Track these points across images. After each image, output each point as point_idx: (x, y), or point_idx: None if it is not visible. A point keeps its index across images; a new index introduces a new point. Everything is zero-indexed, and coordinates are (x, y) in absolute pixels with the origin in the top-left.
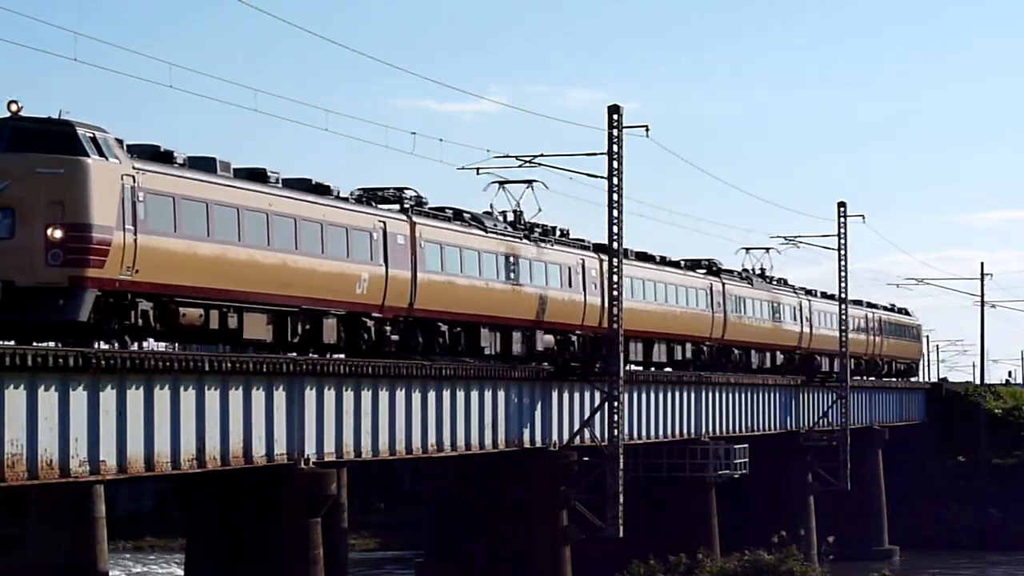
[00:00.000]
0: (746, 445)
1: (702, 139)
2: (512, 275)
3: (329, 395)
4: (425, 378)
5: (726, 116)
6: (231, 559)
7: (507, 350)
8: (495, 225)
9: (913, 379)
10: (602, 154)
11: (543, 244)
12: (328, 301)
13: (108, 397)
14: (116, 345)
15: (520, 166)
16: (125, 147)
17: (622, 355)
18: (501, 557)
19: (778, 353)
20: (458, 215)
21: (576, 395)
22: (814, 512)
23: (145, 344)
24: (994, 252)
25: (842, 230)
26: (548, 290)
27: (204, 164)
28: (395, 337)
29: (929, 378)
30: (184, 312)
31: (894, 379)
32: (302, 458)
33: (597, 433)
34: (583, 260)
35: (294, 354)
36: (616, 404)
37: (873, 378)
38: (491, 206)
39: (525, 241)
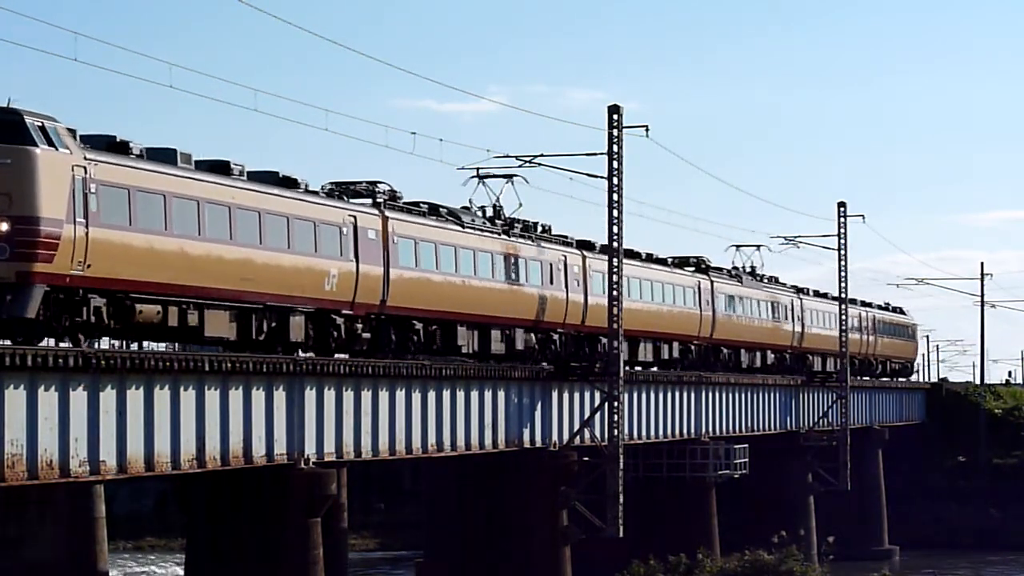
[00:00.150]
0: (746, 445)
1: (702, 139)
2: (490, 272)
3: (329, 395)
4: (425, 378)
5: (726, 116)
6: (231, 559)
7: (485, 349)
8: (473, 220)
9: (909, 379)
10: (602, 154)
11: (523, 240)
12: (295, 298)
13: (108, 397)
14: (69, 343)
15: (520, 166)
16: (78, 137)
17: (622, 355)
18: (501, 557)
19: (769, 352)
20: (434, 210)
21: (576, 395)
22: (814, 512)
23: (97, 342)
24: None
25: (842, 230)
26: (528, 287)
27: (163, 155)
28: (366, 335)
29: (929, 378)
30: (141, 309)
31: (889, 379)
32: (302, 458)
33: (597, 433)
34: (565, 257)
35: (294, 354)
36: (616, 404)
37: (868, 378)
38: (470, 201)
39: (504, 237)
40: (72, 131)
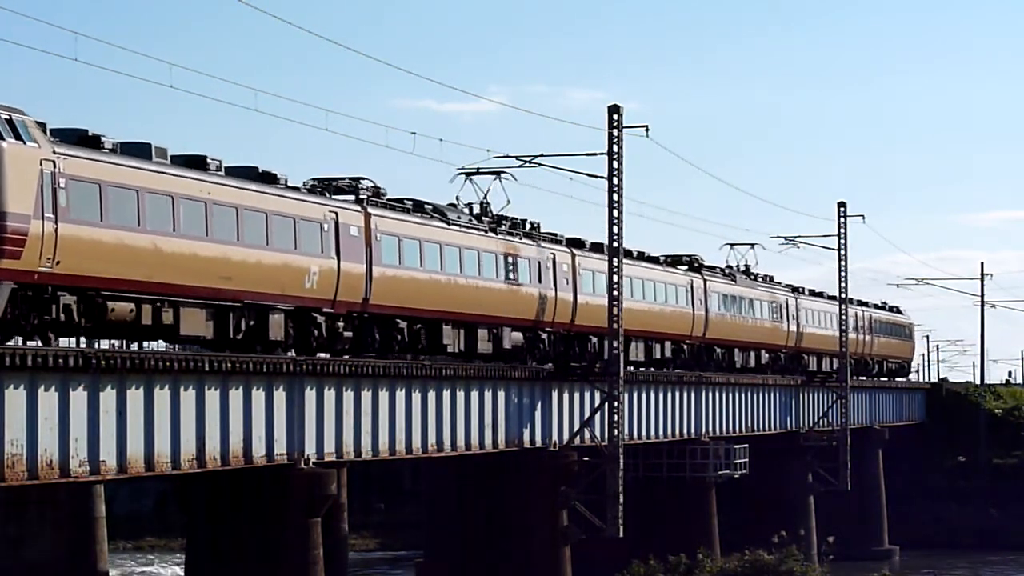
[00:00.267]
0: (746, 445)
1: (702, 139)
2: (477, 270)
3: (329, 395)
4: (425, 378)
5: (726, 116)
6: (231, 559)
7: (472, 348)
8: (459, 217)
9: (905, 379)
10: (602, 154)
11: (511, 238)
12: (274, 295)
13: (108, 397)
14: (38, 341)
15: (520, 166)
16: (48, 131)
17: (622, 355)
18: (501, 557)
19: (764, 352)
20: (418, 207)
21: (576, 395)
22: (814, 512)
23: (64, 341)
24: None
25: (842, 230)
26: (516, 285)
27: (138, 150)
28: (348, 334)
29: (929, 378)
30: (113, 307)
31: (887, 379)
32: (302, 458)
33: (597, 433)
34: (554, 254)
35: (293, 354)
36: (616, 404)
37: (864, 378)
38: (457, 198)
39: (491, 234)
40: (42, 124)
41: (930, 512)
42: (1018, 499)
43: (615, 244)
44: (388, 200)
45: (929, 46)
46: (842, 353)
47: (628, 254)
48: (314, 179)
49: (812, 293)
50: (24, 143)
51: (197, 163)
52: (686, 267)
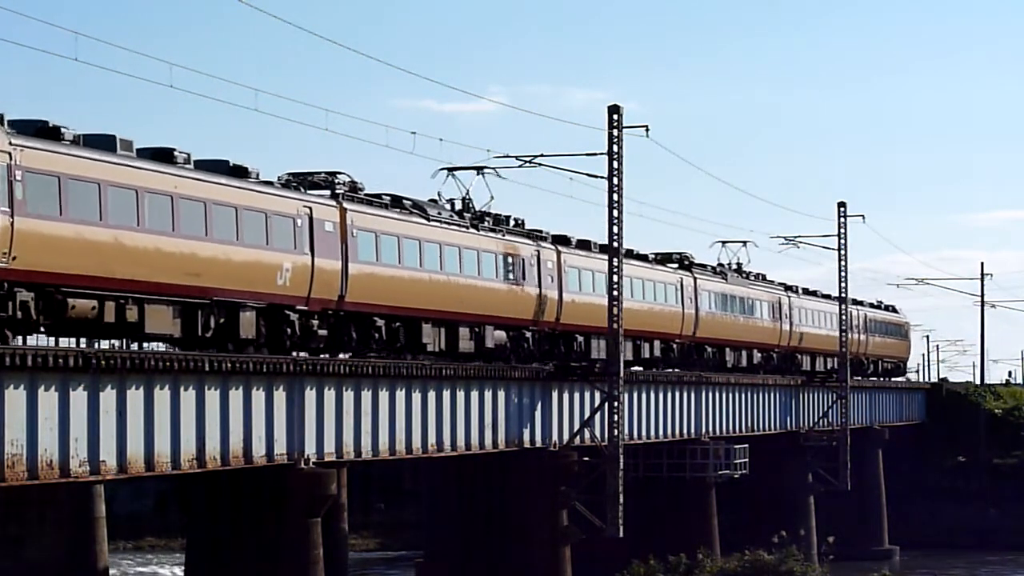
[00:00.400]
0: (746, 445)
1: (702, 139)
2: (457, 267)
3: (329, 395)
4: (425, 378)
5: (726, 116)
6: (231, 559)
7: (452, 347)
8: (439, 213)
9: (904, 379)
10: (602, 154)
11: (493, 234)
12: (245, 292)
13: (108, 397)
14: None
15: (520, 166)
16: (5, 122)
17: (622, 355)
18: (501, 557)
19: (756, 351)
20: (397, 202)
21: (576, 395)
22: (814, 512)
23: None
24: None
25: (842, 230)
26: (498, 283)
27: (102, 142)
28: (323, 332)
29: (929, 378)
30: (73, 304)
31: (881, 379)
32: (302, 458)
33: (597, 433)
34: (538, 251)
35: (294, 354)
36: (616, 404)
37: (858, 378)
38: (439, 194)
39: (472, 231)
40: None
41: (930, 512)
42: (1018, 499)
43: (615, 244)
44: (366, 195)
45: (929, 46)
46: (842, 353)
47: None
48: (289, 173)
49: (806, 292)
50: None
51: (164, 156)
52: (676, 265)
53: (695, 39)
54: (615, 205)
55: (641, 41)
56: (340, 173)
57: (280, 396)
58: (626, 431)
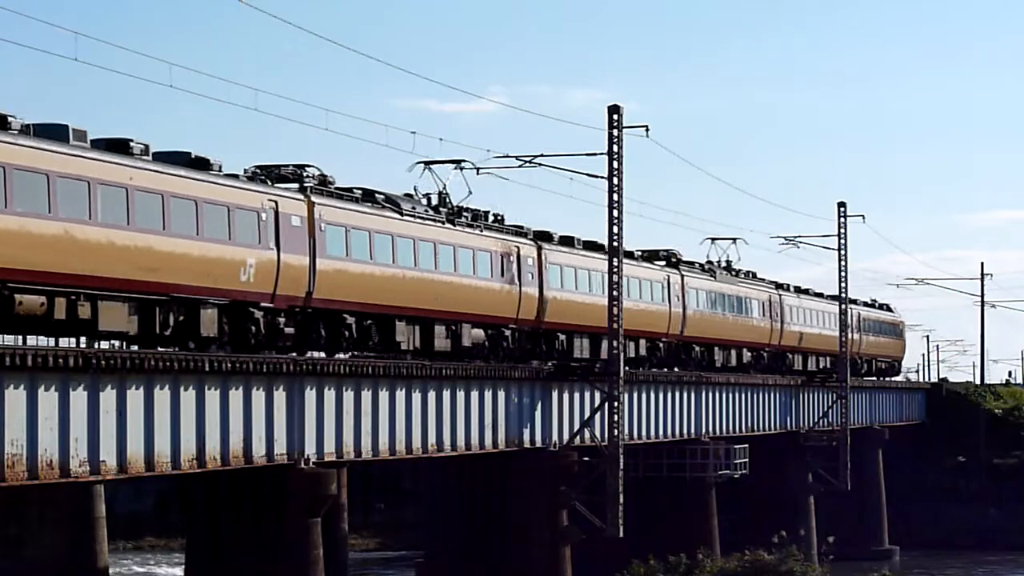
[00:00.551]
0: (746, 445)
1: (702, 139)
2: (433, 263)
3: (329, 395)
4: (425, 378)
5: (726, 116)
6: (231, 559)
7: (428, 345)
8: (414, 208)
9: (904, 379)
10: (602, 154)
11: (471, 229)
12: (205, 289)
13: (108, 397)
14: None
15: (520, 166)
16: None
17: (622, 355)
18: (501, 557)
19: (745, 350)
20: (369, 196)
21: (576, 395)
22: (814, 512)
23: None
24: (994, 252)
25: (842, 230)
26: (476, 279)
27: (53, 132)
28: (290, 330)
29: (929, 378)
30: (20, 300)
31: (876, 379)
32: (302, 458)
33: (597, 433)
34: (518, 248)
35: (294, 354)
36: (616, 404)
37: (855, 378)
38: (415, 188)
39: (449, 226)
40: None
41: (930, 512)
42: (1018, 499)
43: (615, 244)
44: (336, 189)
45: (929, 46)
46: (842, 353)
47: (600, 248)
48: (256, 166)
49: (798, 290)
50: None
51: (119, 147)
52: (663, 262)
53: (695, 39)
54: (615, 205)
55: (641, 41)
56: (309, 166)
57: (280, 396)
58: (626, 431)
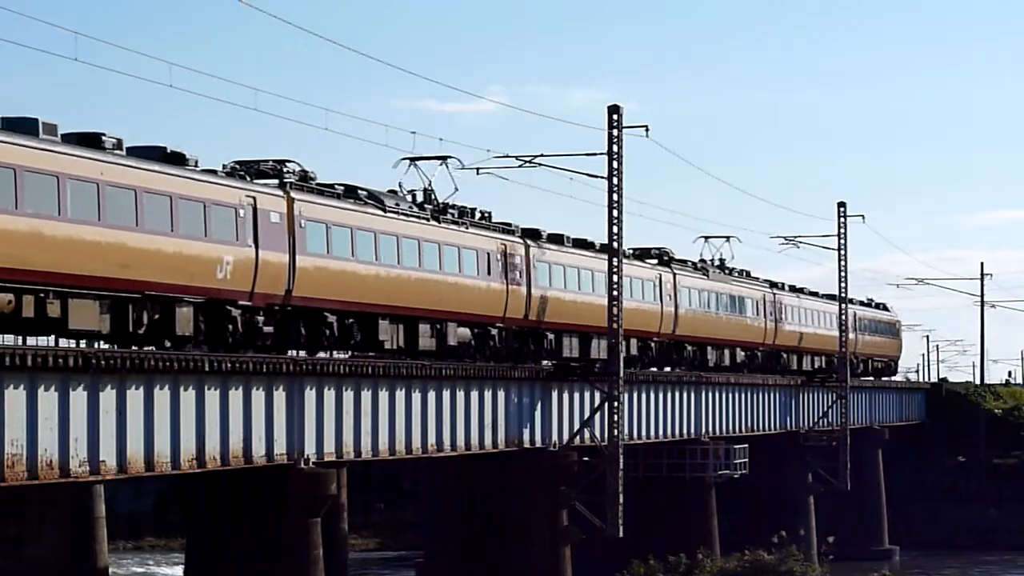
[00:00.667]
0: (746, 445)
1: (702, 139)
2: (417, 260)
3: (329, 395)
4: (425, 378)
5: (726, 116)
6: (231, 559)
7: (412, 344)
8: (397, 204)
9: (900, 379)
10: (602, 154)
11: (456, 226)
12: (181, 287)
13: (108, 397)
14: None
15: (520, 166)
16: None
17: (621, 356)
18: (501, 557)
19: (738, 350)
20: (351, 192)
21: (576, 395)
22: (814, 512)
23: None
24: (994, 252)
25: (842, 230)
26: (462, 277)
27: (23, 126)
28: (269, 329)
29: (929, 378)
30: None
31: (871, 379)
32: (302, 458)
33: (597, 433)
34: (505, 245)
35: (293, 353)
36: (616, 404)
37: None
38: (399, 185)
39: (434, 223)
40: None
41: (930, 512)
42: (1018, 499)
43: (615, 244)
44: (317, 185)
45: (929, 46)
46: (841, 352)
47: (590, 246)
48: (236, 162)
49: (792, 289)
50: None
51: (91, 141)
52: (655, 261)
53: (695, 39)
54: (615, 205)
55: (641, 41)
56: (289, 161)
57: (280, 396)
58: (626, 431)
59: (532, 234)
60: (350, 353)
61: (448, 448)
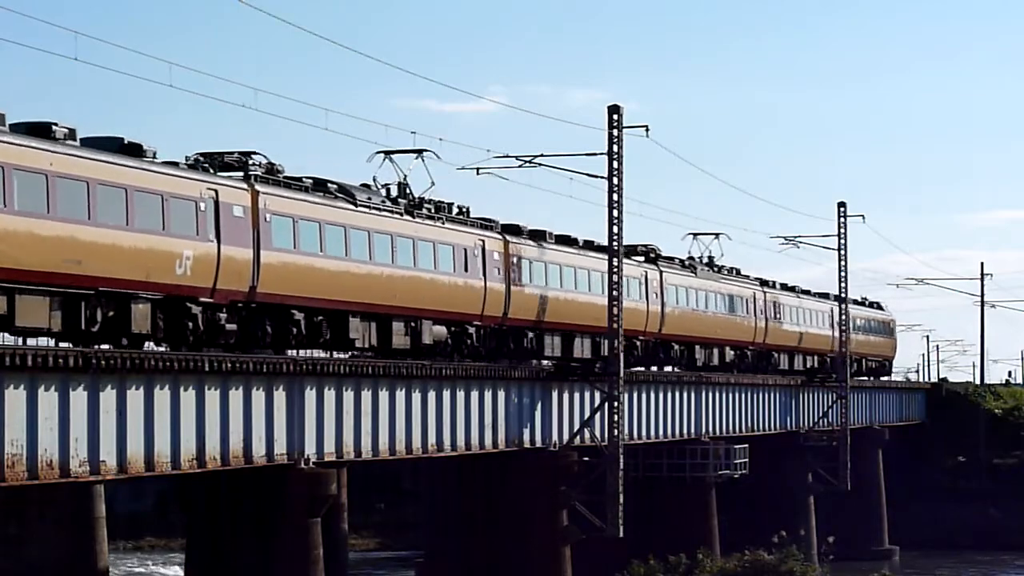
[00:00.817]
0: (746, 445)
1: (702, 139)
2: (390, 256)
3: (329, 395)
4: (425, 378)
5: (726, 116)
6: (231, 559)
7: (385, 343)
8: (369, 199)
9: (899, 379)
10: (602, 154)
11: (431, 222)
12: (137, 283)
13: (108, 397)
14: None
15: (520, 166)
16: None
17: (622, 356)
18: (501, 557)
19: (728, 349)
20: (320, 185)
21: (576, 395)
22: (814, 512)
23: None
24: (994, 252)
25: (842, 230)
26: (437, 274)
27: None
28: (232, 326)
29: (929, 378)
30: None
31: (866, 378)
32: (302, 458)
33: (597, 433)
34: (483, 241)
35: (293, 353)
36: (616, 404)
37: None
38: (374, 179)
39: (408, 217)
40: None
41: (930, 512)
42: (1018, 499)
43: (615, 244)
44: (285, 178)
45: (929, 46)
46: (842, 352)
47: (573, 243)
48: (199, 153)
49: (784, 287)
50: None
51: (40, 131)
52: (642, 258)
53: (695, 39)
54: (615, 205)
55: (641, 41)
56: (255, 153)
57: (280, 396)
58: (626, 431)
59: (512, 229)
60: (350, 354)
61: (448, 448)
